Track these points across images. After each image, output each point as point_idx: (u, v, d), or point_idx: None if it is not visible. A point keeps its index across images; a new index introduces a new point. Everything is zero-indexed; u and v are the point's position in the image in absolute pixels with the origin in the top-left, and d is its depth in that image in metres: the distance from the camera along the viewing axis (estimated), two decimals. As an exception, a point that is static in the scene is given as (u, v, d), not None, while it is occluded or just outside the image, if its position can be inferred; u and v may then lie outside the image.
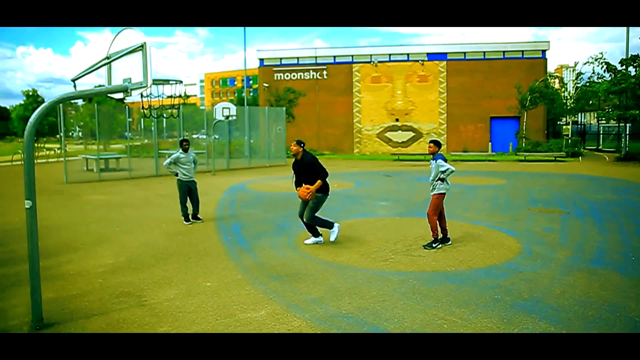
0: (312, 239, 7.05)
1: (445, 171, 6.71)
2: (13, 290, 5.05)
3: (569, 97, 30.69)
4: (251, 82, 65.28)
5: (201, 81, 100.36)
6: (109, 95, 5.11)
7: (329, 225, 6.91)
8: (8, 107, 68.09)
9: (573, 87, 30.68)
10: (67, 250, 6.77)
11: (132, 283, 5.23)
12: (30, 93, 35.60)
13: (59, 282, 5.29)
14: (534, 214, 9.35)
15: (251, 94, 32.73)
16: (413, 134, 31.19)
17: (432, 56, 30.67)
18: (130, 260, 6.21)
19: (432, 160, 6.94)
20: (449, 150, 30.17)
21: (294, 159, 6.99)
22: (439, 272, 5.59)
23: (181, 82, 5.52)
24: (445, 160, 6.83)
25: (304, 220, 6.85)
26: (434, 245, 6.74)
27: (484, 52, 30.57)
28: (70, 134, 43.75)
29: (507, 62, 30.16)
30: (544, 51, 30.26)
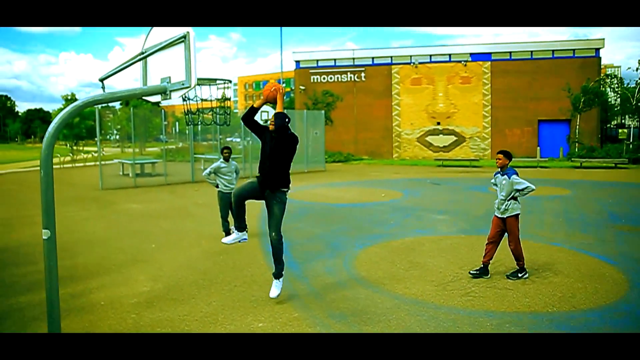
0: (234, 236, 5.03)
1: (523, 189, 5.60)
2: (34, 325, 4.30)
3: (631, 98, 28.43)
4: (284, 84, 64.96)
5: (234, 84, 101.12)
6: (144, 98, 4.31)
7: (242, 226, 4.95)
8: (51, 112, 70.41)
9: (637, 87, 28.42)
10: (99, 272, 6.05)
11: (171, 321, 4.40)
12: (69, 97, 36.09)
13: (87, 317, 4.52)
14: (622, 233, 8.07)
15: (285, 97, 32.09)
16: (455, 138, 29.73)
17: (475, 56, 29.17)
18: (168, 287, 5.40)
19: (499, 175, 5.83)
20: (494, 156, 28.57)
21: (268, 131, 4.86)
22: (539, 314, 4.51)
23: (230, 82, 4.68)
24: (518, 175, 5.74)
25: (271, 237, 4.86)
26: (519, 275, 5.64)
27: (531, 52, 28.83)
28: (108, 137, 44.34)
29: (557, 61, 28.33)
30: (597, 49, 28.27)
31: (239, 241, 5.02)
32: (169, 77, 4.23)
